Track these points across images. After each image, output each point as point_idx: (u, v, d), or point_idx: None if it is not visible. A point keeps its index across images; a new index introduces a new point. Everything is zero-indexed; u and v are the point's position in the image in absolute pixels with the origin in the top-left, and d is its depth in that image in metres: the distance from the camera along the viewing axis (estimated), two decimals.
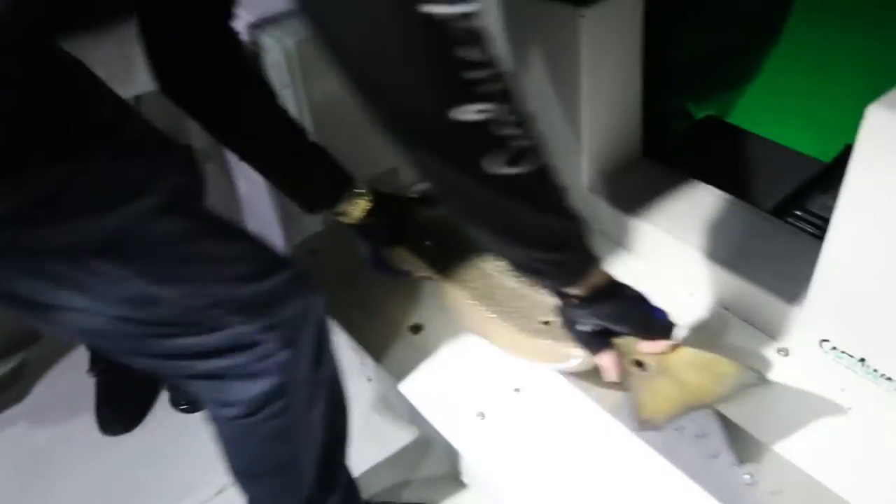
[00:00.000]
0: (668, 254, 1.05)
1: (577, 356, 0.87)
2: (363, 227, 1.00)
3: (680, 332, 0.89)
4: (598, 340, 0.82)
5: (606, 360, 0.84)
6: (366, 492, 1.34)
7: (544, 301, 0.91)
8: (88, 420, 1.52)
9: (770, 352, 0.94)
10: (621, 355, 0.82)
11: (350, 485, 1.14)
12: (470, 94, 0.53)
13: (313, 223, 1.40)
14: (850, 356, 0.87)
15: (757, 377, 0.78)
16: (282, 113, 0.91)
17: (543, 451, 0.88)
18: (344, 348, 1.01)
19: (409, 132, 0.56)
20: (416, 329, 1.05)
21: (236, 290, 0.74)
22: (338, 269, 1.17)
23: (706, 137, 1.28)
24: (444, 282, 1.02)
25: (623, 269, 1.07)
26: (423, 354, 1.02)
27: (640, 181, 1.12)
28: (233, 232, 0.78)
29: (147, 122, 0.73)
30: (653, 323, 0.80)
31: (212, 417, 0.85)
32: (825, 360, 0.89)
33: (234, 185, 1.70)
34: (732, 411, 0.87)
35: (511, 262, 0.71)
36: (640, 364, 0.83)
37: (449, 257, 1.03)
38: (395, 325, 1.06)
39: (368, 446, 1.42)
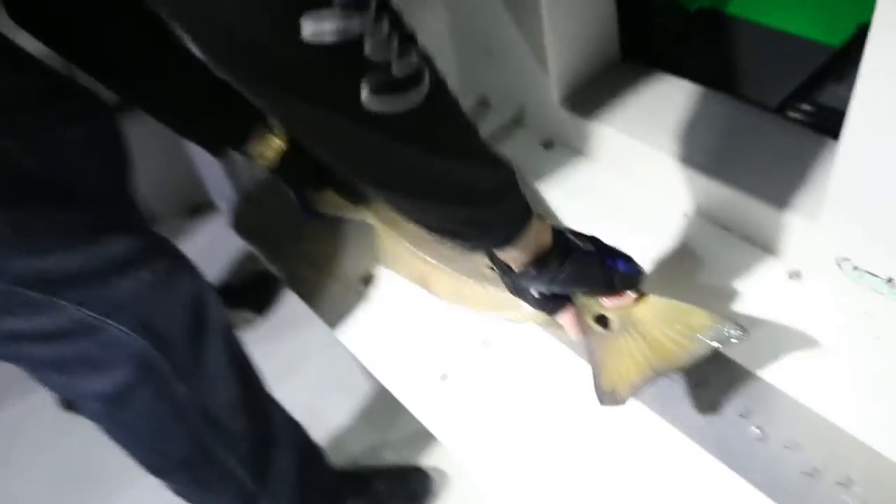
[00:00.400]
0: (656, 170, 0.90)
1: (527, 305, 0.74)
2: (283, 170, 0.88)
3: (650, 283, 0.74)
4: (552, 302, 0.70)
5: (565, 320, 0.72)
6: (342, 457, 1.24)
7: None
8: (51, 397, 1.46)
9: (778, 276, 0.80)
10: (581, 311, 0.71)
11: (311, 457, 1.04)
12: (320, 2, 0.38)
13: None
14: (876, 276, 0.72)
15: (738, 332, 0.63)
16: (171, 41, 0.75)
17: (519, 413, 0.75)
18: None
19: (257, 70, 0.41)
20: (368, 280, 0.91)
21: (61, 259, 0.62)
22: (283, 222, 1.03)
23: (700, 33, 1.09)
24: (378, 225, 0.90)
25: (606, 192, 0.94)
26: (375, 308, 0.89)
27: (619, 89, 0.96)
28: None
29: None
30: (614, 278, 0.67)
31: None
32: (845, 282, 0.75)
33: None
34: (735, 351, 0.73)
35: (422, 224, 0.57)
36: (602, 320, 0.70)
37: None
38: (344, 277, 0.93)
39: (341, 403, 1.32)
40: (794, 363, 0.72)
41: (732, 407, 0.70)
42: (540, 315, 0.75)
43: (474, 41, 1.02)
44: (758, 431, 0.68)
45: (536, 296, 0.69)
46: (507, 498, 0.70)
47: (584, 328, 0.72)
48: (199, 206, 1.80)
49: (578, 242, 0.66)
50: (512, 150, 1.03)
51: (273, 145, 0.85)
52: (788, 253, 0.81)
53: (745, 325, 0.64)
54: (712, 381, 0.72)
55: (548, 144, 1.03)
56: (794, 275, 0.80)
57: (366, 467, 1.22)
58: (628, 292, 0.68)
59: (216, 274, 1.63)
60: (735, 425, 0.69)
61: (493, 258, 0.67)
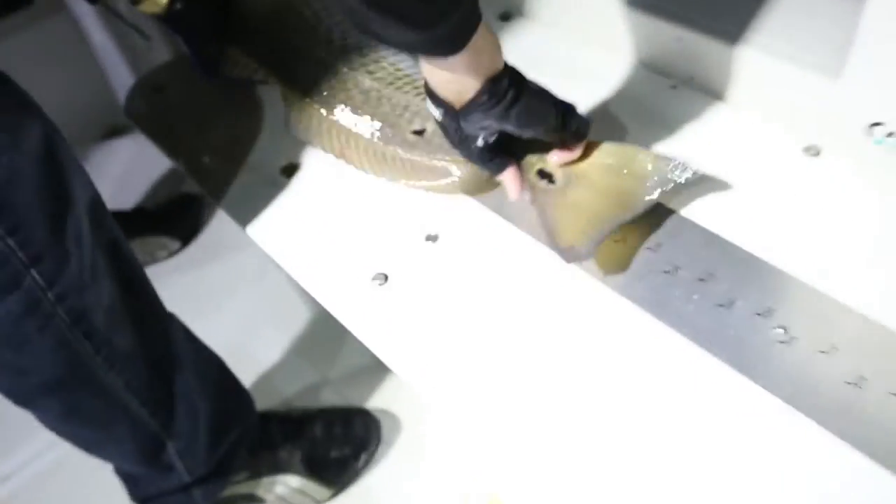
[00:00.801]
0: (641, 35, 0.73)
1: (459, 171, 0.66)
2: (175, 19, 0.72)
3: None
4: (496, 156, 0.62)
5: (507, 177, 0.63)
6: (273, 399, 1.07)
7: (413, 104, 0.67)
8: None
9: (793, 153, 0.65)
10: (524, 169, 0.64)
11: (230, 394, 0.87)
12: None
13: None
14: None
15: (686, 172, 0.60)
16: None
17: (477, 319, 0.59)
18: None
19: None
20: (289, 170, 0.73)
21: None
22: (187, 109, 0.84)
23: None
24: (284, 87, 0.75)
25: (563, 57, 0.79)
26: (296, 202, 0.71)
27: None
28: None
29: None
30: (568, 119, 0.61)
31: None
32: (877, 154, 0.60)
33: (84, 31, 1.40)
34: (747, 238, 0.59)
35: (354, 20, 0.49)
36: (545, 176, 0.63)
37: (288, 55, 0.76)
38: (257, 168, 0.76)
39: (273, 339, 1.15)
40: (822, 252, 0.57)
41: (747, 303, 0.55)
42: (472, 180, 0.66)
43: None
44: (781, 332, 0.52)
45: (481, 144, 0.59)
46: (469, 436, 0.54)
47: (527, 185, 0.63)
48: (115, 129, 1.60)
49: (523, 75, 0.58)
50: None
51: None
52: (805, 123, 0.65)
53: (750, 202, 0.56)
54: (720, 273, 0.57)
55: (505, 16, 0.86)
56: (812, 150, 0.65)
57: (300, 409, 1.05)
58: (576, 147, 0.62)
59: (134, 199, 1.43)
60: (752, 324, 0.54)
61: (433, 96, 0.58)
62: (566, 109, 0.60)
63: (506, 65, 0.56)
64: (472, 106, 0.56)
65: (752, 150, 0.66)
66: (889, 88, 0.57)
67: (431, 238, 0.65)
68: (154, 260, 1.30)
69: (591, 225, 0.60)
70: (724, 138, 0.67)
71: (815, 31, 0.65)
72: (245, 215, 0.70)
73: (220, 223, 1.36)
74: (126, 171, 1.50)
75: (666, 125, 0.69)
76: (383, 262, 0.64)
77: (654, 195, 0.60)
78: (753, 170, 0.64)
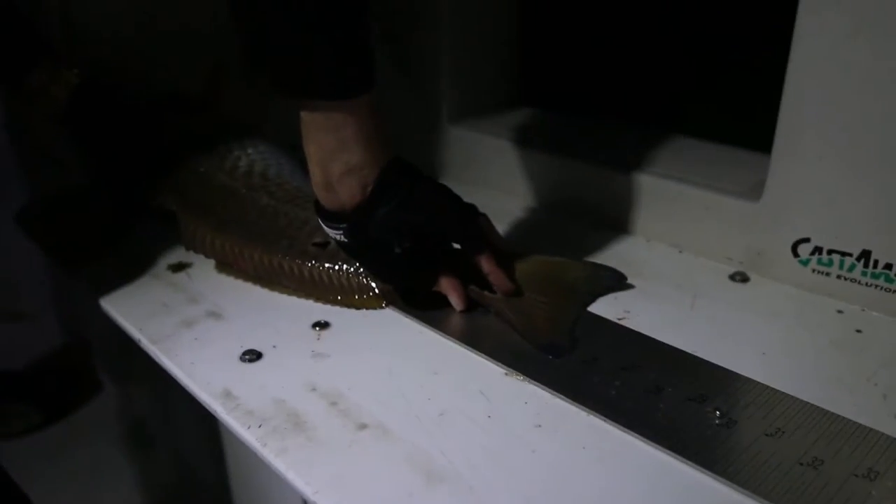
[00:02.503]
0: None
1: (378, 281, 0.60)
2: (72, 115, 0.71)
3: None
4: (419, 264, 0.56)
5: (448, 286, 0.56)
6: None
7: (314, 220, 0.60)
8: None
9: (720, 281, 0.61)
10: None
11: None
12: None
13: None
14: (845, 255, 0.54)
15: (618, 277, 0.60)
16: None
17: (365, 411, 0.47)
18: None
19: None
20: (179, 267, 0.65)
21: None
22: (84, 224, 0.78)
23: None
24: (180, 209, 0.70)
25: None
26: (184, 297, 0.62)
27: None
28: None
29: None
30: (478, 215, 0.57)
31: None
32: (805, 274, 0.56)
33: None
34: (678, 340, 0.52)
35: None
36: (485, 286, 0.57)
37: (190, 179, 0.73)
38: (152, 264, 0.67)
39: None
40: (755, 358, 0.51)
41: (677, 391, 0.47)
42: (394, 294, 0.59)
43: None
44: (719, 415, 0.44)
45: (398, 251, 0.52)
46: None
47: (475, 295, 0.56)
48: None
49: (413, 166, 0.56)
50: None
51: (64, 79, 0.65)
52: (728, 251, 0.63)
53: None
54: (645, 364, 0.49)
55: None
56: (739, 276, 0.61)
57: None
58: (489, 256, 0.56)
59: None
60: (685, 409, 0.45)
61: (327, 213, 0.54)
62: (469, 206, 0.57)
63: (392, 152, 0.54)
64: (374, 198, 0.52)
65: (676, 277, 0.62)
66: (806, 202, 0.56)
67: (321, 326, 0.56)
68: (10, 432, 1.12)
69: (556, 320, 0.55)
70: (644, 268, 0.63)
71: (731, 167, 0.66)
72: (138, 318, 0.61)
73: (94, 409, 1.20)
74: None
75: (582, 254, 0.66)
76: (260, 343, 0.54)
77: (589, 299, 0.58)
78: (678, 292, 0.59)
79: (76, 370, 1.23)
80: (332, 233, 0.54)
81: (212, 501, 0.84)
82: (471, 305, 0.56)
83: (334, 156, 0.50)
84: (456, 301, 0.55)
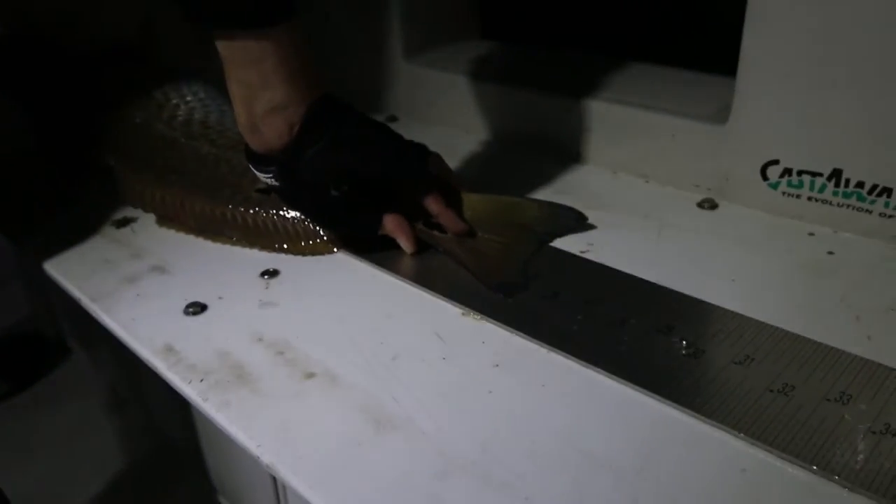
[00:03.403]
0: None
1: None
2: None
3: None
4: (360, 208, 0.53)
5: (392, 227, 0.53)
6: None
7: None
8: None
9: (688, 209, 0.58)
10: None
11: None
12: None
13: None
14: (815, 175, 0.51)
15: (573, 215, 0.57)
16: None
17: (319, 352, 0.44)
18: None
19: None
20: (123, 223, 0.62)
21: None
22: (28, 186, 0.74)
23: None
24: (117, 161, 0.67)
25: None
26: (128, 252, 0.59)
27: None
28: None
29: None
30: (425, 151, 0.54)
31: None
32: (775, 198, 0.54)
33: None
34: (639, 273, 0.50)
35: None
36: (433, 226, 0.54)
37: (127, 131, 0.68)
38: (96, 221, 0.64)
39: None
40: (722, 285, 0.48)
41: (642, 322, 0.44)
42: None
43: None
44: (685, 345, 0.41)
45: (336, 194, 0.50)
46: None
47: (425, 236, 0.53)
48: None
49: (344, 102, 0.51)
50: None
51: None
52: (696, 176, 0.60)
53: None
54: (608, 297, 0.47)
55: (391, 119, 0.83)
56: (707, 203, 0.58)
57: None
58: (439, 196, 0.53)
59: None
60: (650, 341, 0.42)
61: (255, 156, 0.50)
62: (415, 145, 0.53)
63: (328, 92, 0.50)
64: (301, 138, 0.48)
65: (642, 207, 0.59)
66: (774, 121, 0.53)
67: (269, 274, 0.53)
68: None
69: (509, 259, 0.52)
70: (608, 199, 0.61)
71: (696, 91, 0.63)
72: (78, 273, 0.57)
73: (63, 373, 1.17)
74: None
75: (550, 191, 0.63)
76: (206, 295, 0.51)
77: (547, 239, 0.55)
78: (644, 223, 0.57)
79: (42, 337, 1.20)
80: (262, 177, 0.50)
81: (187, 461, 0.82)
82: (421, 247, 0.53)
83: (256, 93, 0.47)
84: (405, 243, 0.52)
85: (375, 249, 0.53)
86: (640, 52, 0.75)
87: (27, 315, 1.25)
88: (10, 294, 1.25)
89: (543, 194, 0.62)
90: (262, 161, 0.50)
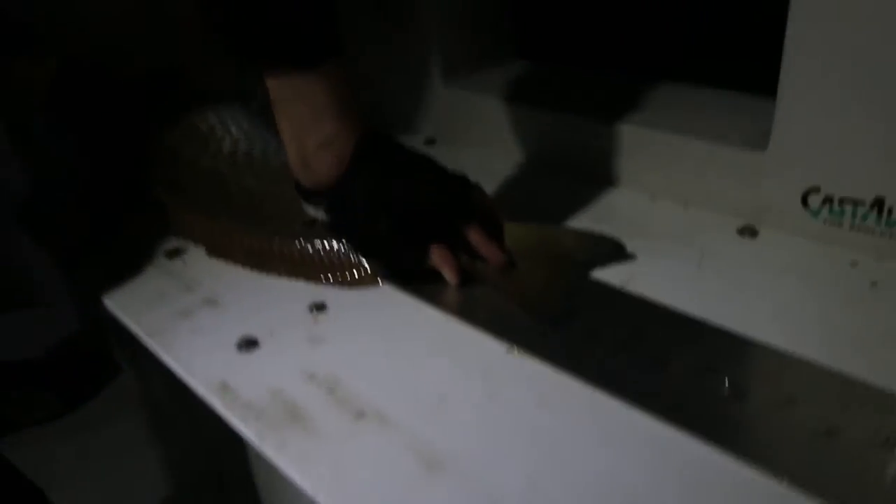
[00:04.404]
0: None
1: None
2: (53, 102, 0.68)
3: None
4: (408, 239, 0.53)
5: (438, 259, 0.54)
6: None
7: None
8: None
9: (728, 236, 0.58)
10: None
11: None
12: None
13: None
14: (857, 204, 0.51)
15: (610, 244, 0.57)
16: None
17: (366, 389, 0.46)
18: None
19: None
20: (174, 253, 0.64)
21: None
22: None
23: None
24: (166, 195, 0.69)
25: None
26: (179, 284, 0.62)
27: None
28: None
29: None
30: (470, 183, 0.55)
31: None
32: (817, 226, 0.54)
33: None
34: (681, 306, 0.50)
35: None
36: (476, 257, 0.55)
37: (174, 165, 0.71)
38: (148, 251, 0.67)
39: None
40: (764, 318, 0.48)
41: (684, 361, 0.45)
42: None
43: None
44: (727, 387, 0.42)
45: (385, 226, 0.51)
46: None
47: (468, 267, 0.54)
48: None
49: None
50: None
51: (45, 65, 0.63)
52: (736, 204, 0.60)
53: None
54: (650, 333, 0.47)
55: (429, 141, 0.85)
56: (747, 231, 0.59)
57: None
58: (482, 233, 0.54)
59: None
60: (692, 381, 0.43)
61: (306, 192, 0.53)
62: (457, 177, 0.55)
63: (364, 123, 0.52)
64: (352, 171, 0.50)
65: (682, 234, 0.60)
66: (814, 149, 0.53)
67: (317, 308, 0.55)
68: (31, 421, 1.13)
69: (551, 290, 0.54)
70: (649, 226, 0.61)
71: (736, 116, 0.63)
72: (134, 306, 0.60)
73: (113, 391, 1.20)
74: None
75: (590, 217, 0.64)
76: (257, 329, 0.53)
77: (587, 269, 0.56)
78: (685, 251, 0.57)
79: (93, 354, 1.23)
80: (313, 211, 0.52)
81: (237, 484, 0.85)
82: (465, 278, 0.54)
83: (308, 129, 0.49)
84: (449, 275, 0.53)
85: (419, 282, 0.55)
86: (678, 70, 0.76)
87: (77, 332, 1.28)
88: (60, 311, 1.28)
89: (582, 220, 0.63)
90: (312, 195, 0.52)
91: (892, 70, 0.47)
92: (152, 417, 1.11)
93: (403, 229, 0.52)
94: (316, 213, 0.53)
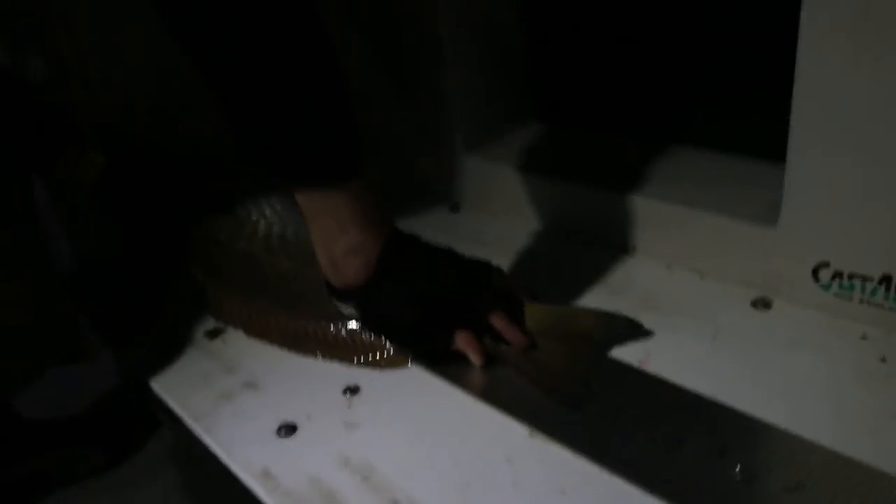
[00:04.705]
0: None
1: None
2: (102, 191, 0.74)
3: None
4: (432, 328, 0.57)
5: (462, 343, 0.56)
6: None
7: None
8: None
9: (742, 308, 0.60)
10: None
11: None
12: None
13: None
14: (866, 279, 0.53)
15: (626, 323, 0.60)
16: None
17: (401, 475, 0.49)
18: None
19: None
20: (214, 334, 0.68)
21: None
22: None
23: None
24: (205, 277, 0.74)
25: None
26: (219, 364, 0.65)
27: None
28: None
29: None
30: (492, 275, 0.60)
31: None
32: (827, 299, 0.56)
33: None
34: (695, 384, 0.53)
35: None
36: (498, 339, 0.58)
37: (212, 248, 0.76)
38: (189, 331, 0.71)
39: None
40: (775, 399, 0.51)
41: (699, 444, 0.47)
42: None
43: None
44: (739, 471, 0.44)
45: (410, 320, 0.55)
46: None
47: (492, 350, 0.57)
48: None
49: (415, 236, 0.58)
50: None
51: (90, 160, 0.68)
52: (749, 276, 0.62)
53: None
54: (665, 415, 0.50)
55: (454, 208, 0.88)
56: (761, 303, 0.61)
57: None
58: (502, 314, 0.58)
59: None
60: (706, 465, 0.45)
61: (337, 291, 0.58)
62: (479, 265, 0.59)
63: (396, 227, 0.57)
64: (378, 275, 0.54)
65: (698, 307, 0.62)
66: (824, 226, 0.55)
67: (350, 392, 0.58)
68: (76, 477, 1.17)
69: (570, 370, 0.56)
70: (665, 298, 0.64)
71: (746, 187, 0.65)
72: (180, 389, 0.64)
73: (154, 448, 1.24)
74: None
75: (606, 288, 0.66)
76: (295, 414, 0.56)
77: (603, 348, 0.58)
78: (700, 326, 0.60)
79: (133, 409, 1.27)
80: (344, 309, 0.56)
81: None
82: (490, 360, 0.57)
83: (334, 237, 0.53)
84: (474, 357, 0.56)
85: (446, 363, 0.58)
86: (691, 133, 0.78)
87: (119, 386, 1.33)
88: (101, 365, 1.33)
89: (599, 292, 0.66)
90: (342, 295, 0.55)
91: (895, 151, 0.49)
92: (191, 473, 1.15)
93: (429, 320, 0.55)
94: (346, 310, 0.57)
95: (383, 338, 0.60)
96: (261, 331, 0.66)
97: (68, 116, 0.73)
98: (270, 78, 0.46)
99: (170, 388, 0.63)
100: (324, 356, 0.62)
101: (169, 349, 0.68)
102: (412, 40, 0.83)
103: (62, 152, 0.72)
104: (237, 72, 0.46)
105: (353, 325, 0.62)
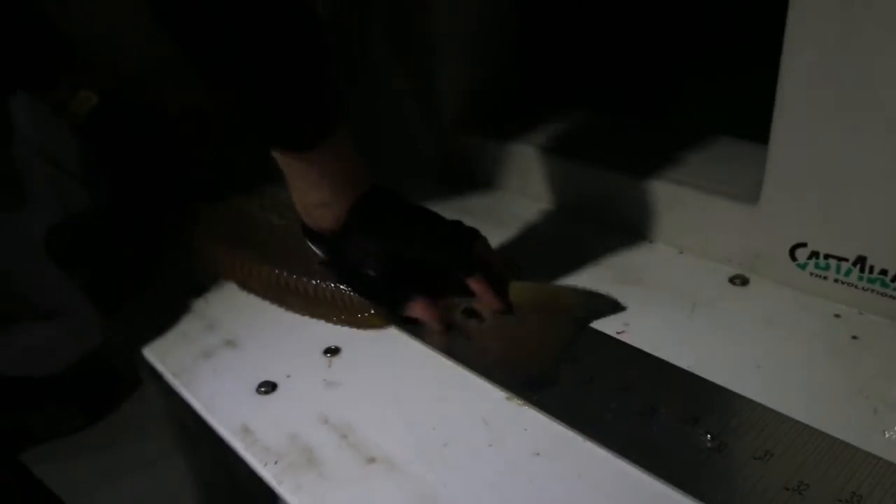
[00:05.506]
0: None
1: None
2: (92, 130, 0.72)
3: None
4: (395, 284, 0.58)
5: (418, 311, 0.57)
6: None
7: None
8: None
9: (720, 284, 0.61)
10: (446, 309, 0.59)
11: None
12: None
13: None
14: (842, 260, 0.54)
15: (606, 301, 0.60)
16: None
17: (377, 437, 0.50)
18: None
19: None
20: (196, 292, 0.68)
21: None
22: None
23: None
24: (199, 234, 0.75)
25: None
26: (201, 323, 0.66)
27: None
28: None
29: None
30: (473, 241, 0.58)
31: None
32: (803, 278, 0.57)
33: None
34: (670, 356, 0.54)
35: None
36: (473, 315, 0.59)
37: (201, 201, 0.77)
38: (170, 289, 0.72)
39: None
40: (750, 372, 0.52)
41: (671, 412, 0.48)
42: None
43: None
44: (709, 439, 0.45)
45: (373, 274, 0.56)
46: None
47: (455, 321, 0.58)
48: None
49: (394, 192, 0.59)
50: None
51: (83, 97, 0.67)
52: (730, 254, 0.64)
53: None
54: (640, 384, 0.51)
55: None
56: (738, 280, 0.62)
57: None
58: (483, 284, 0.57)
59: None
60: (677, 433, 0.46)
61: (311, 233, 0.59)
62: (463, 231, 0.59)
63: (376, 184, 0.57)
64: (346, 228, 0.56)
65: (676, 282, 0.63)
66: (802, 207, 0.56)
67: (332, 352, 0.58)
68: (55, 434, 1.17)
69: (546, 345, 0.56)
70: (645, 273, 0.65)
71: (729, 166, 0.66)
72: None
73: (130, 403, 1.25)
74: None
75: (588, 262, 0.67)
76: (275, 372, 0.57)
77: (585, 323, 0.58)
78: (678, 300, 0.61)
79: (115, 368, 1.27)
80: (317, 250, 0.59)
81: (263, 500, 0.88)
82: (450, 325, 0.58)
83: (307, 192, 0.55)
84: (434, 326, 0.57)
85: (403, 324, 0.59)
86: (679, 109, 0.79)
87: (99, 346, 1.33)
88: (81, 324, 1.33)
89: (578, 266, 0.66)
90: (315, 238, 0.57)
91: (874, 138, 0.50)
92: (173, 433, 1.15)
93: (393, 276, 0.56)
94: (318, 251, 0.59)
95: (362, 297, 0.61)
96: (245, 281, 0.66)
97: (62, 39, 0.71)
98: (239, 43, 0.47)
99: (151, 344, 0.63)
100: (305, 312, 0.62)
101: (149, 303, 0.68)
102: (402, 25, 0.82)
103: (54, 83, 0.70)
104: (205, 34, 0.47)
105: (334, 282, 0.62)
